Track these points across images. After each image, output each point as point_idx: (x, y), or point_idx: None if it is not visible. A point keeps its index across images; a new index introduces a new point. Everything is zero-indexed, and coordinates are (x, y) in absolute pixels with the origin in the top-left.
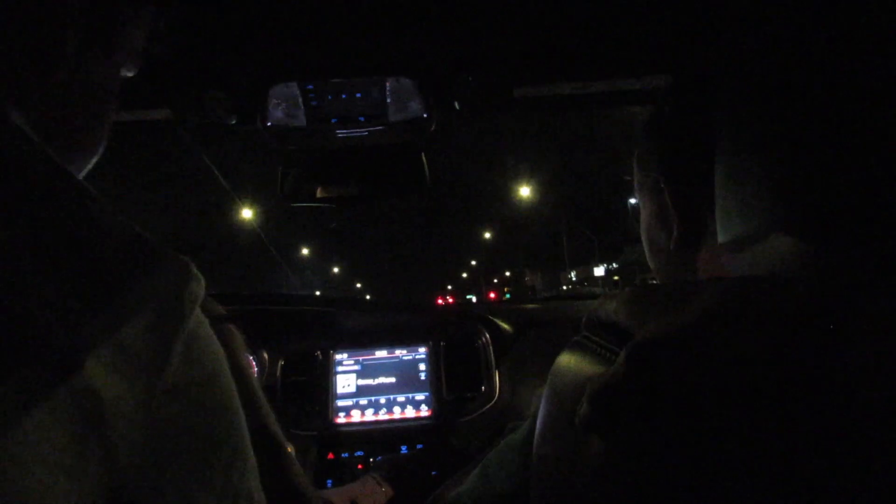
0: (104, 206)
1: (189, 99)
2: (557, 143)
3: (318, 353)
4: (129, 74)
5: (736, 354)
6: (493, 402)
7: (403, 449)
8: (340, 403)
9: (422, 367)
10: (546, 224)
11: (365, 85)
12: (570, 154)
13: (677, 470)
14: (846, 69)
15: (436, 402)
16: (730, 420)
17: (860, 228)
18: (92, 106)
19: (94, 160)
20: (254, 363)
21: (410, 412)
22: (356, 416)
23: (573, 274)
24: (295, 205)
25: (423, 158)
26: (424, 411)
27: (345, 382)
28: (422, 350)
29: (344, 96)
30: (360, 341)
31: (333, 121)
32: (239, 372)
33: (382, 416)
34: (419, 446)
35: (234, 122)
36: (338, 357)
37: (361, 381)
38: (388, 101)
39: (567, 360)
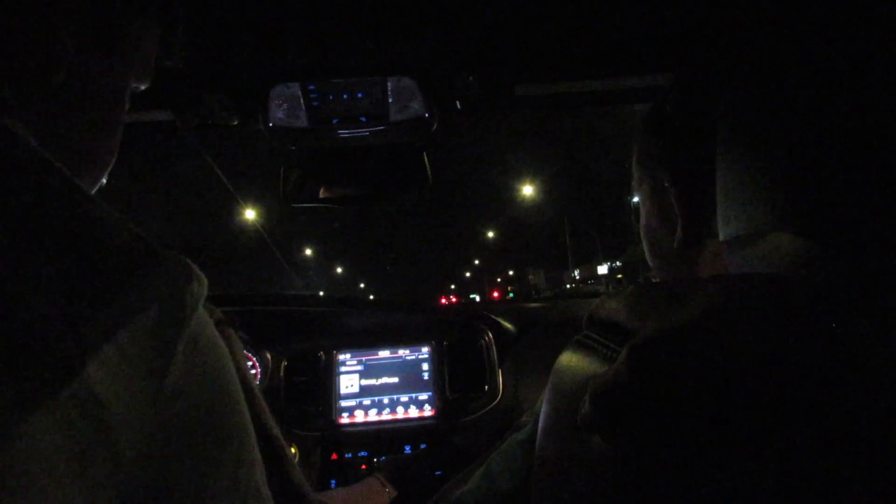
0: (103, 208)
1: (191, 100)
2: (560, 141)
3: (322, 353)
4: (142, 87)
5: (737, 352)
6: (496, 401)
7: (407, 449)
8: (344, 404)
9: (425, 366)
10: (549, 223)
11: (366, 85)
12: (573, 152)
13: (679, 470)
14: (847, 66)
15: (439, 401)
16: (731, 419)
17: (860, 226)
18: (94, 113)
19: (106, 172)
20: (258, 364)
21: (414, 412)
22: (359, 417)
23: (576, 272)
24: (297, 205)
25: (425, 158)
26: (428, 411)
27: (348, 382)
28: (425, 350)
29: (345, 96)
30: (363, 341)
31: (335, 121)
32: (239, 375)
33: (386, 416)
34: (422, 446)
35: (236, 122)
36: (341, 357)
37: (365, 382)
38: (390, 101)
39: (568, 359)
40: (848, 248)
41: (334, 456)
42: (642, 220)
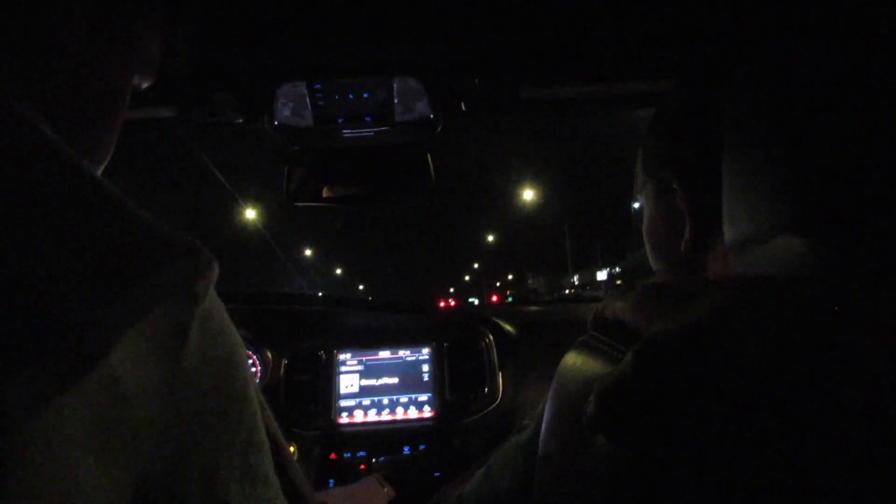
0: (115, 195)
1: (197, 98)
2: (561, 145)
3: (322, 352)
4: (145, 85)
5: (743, 354)
6: (495, 403)
7: (406, 450)
8: (343, 403)
9: (425, 368)
10: (549, 227)
11: (372, 85)
12: (574, 157)
13: (683, 471)
14: (851, 68)
15: (439, 403)
16: (737, 420)
17: (865, 227)
18: (99, 107)
19: (101, 167)
20: (258, 362)
21: (413, 413)
22: (359, 417)
23: (576, 278)
24: (299, 204)
25: (429, 159)
26: (427, 412)
27: (348, 382)
28: (425, 351)
29: (351, 96)
30: (363, 341)
31: (340, 121)
32: None
33: (385, 416)
34: (422, 447)
35: (240, 121)
36: (341, 357)
37: (365, 382)
38: (395, 101)
39: (573, 360)
40: (853, 250)
41: (333, 455)
42: (645, 224)
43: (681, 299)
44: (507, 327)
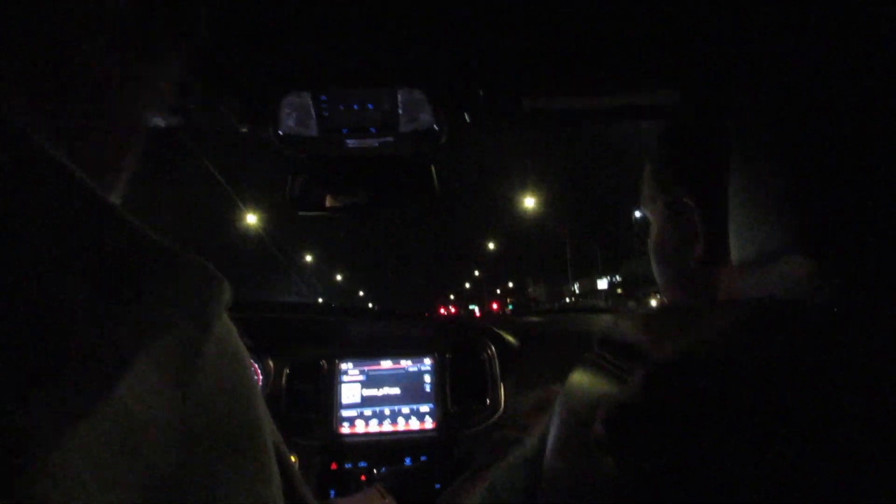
0: (124, 215)
1: (202, 106)
2: (562, 154)
3: (324, 362)
4: (160, 124)
5: (753, 377)
6: (497, 414)
7: (407, 461)
8: (345, 413)
9: (427, 378)
10: (550, 236)
11: (376, 96)
12: (575, 165)
13: (692, 494)
14: (860, 87)
15: (440, 414)
16: (747, 443)
17: (872, 248)
18: (108, 146)
19: (116, 195)
20: (259, 371)
21: (415, 424)
22: (360, 427)
23: (576, 286)
24: (302, 213)
25: (433, 169)
26: (429, 423)
27: (350, 392)
28: (427, 361)
29: (356, 107)
30: (365, 351)
31: (344, 131)
32: None
33: (387, 427)
34: (423, 458)
35: (245, 130)
36: (343, 366)
37: (366, 392)
38: (400, 112)
39: (580, 378)
40: (860, 271)
41: (334, 466)
42: (653, 239)
43: (688, 321)
44: (509, 338)
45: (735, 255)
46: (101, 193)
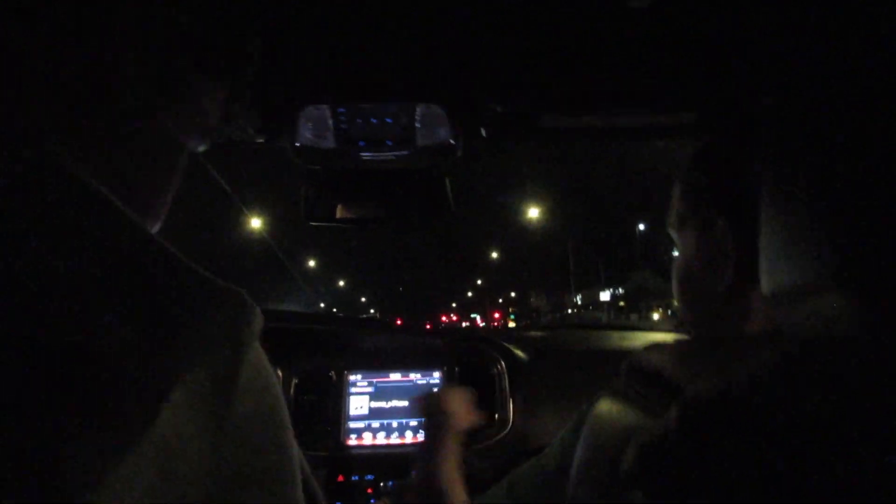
0: (161, 246)
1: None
2: (567, 165)
3: (333, 373)
4: (201, 149)
5: (793, 417)
6: (506, 430)
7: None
8: (352, 425)
9: (436, 392)
10: (553, 246)
11: (395, 110)
12: (579, 177)
13: None
14: None
15: None
16: (785, 485)
17: None
18: (153, 168)
19: (156, 225)
20: None
21: (423, 437)
22: (368, 439)
23: (578, 297)
24: (315, 224)
25: (447, 184)
26: None
27: (358, 404)
28: (436, 375)
29: (373, 120)
30: (373, 363)
31: (361, 143)
32: None
33: (394, 440)
34: None
35: (261, 140)
36: (352, 378)
37: (374, 404)
38: (418, 126)
39: (608, 408)
40: None
41: (340, 478)
42: (679, 262)
43: (724, 356)
44: (519, 353)
45: (766, 283)
46: (146, 229)
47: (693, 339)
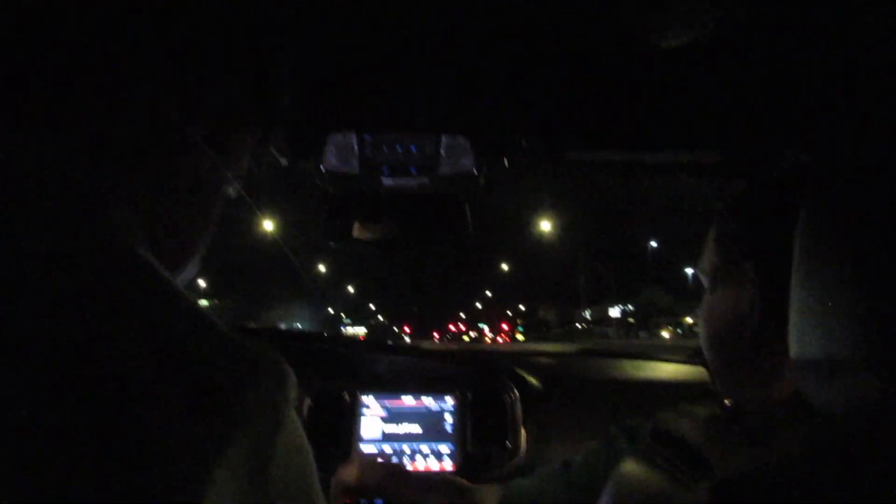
0: (210, 319)
1: None
2: (581, 180)
3: (346, 394)
4: (231, 195)
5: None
6: (516, 459)
7: None
8: (365, 449)
9: (448, 417)
10: (563, 260)
11: (420, 139)
12: (592, 192)
13: None
14: None
15: (460, 456)
16: None
17: None
18: (192, 214)
19: (189, 275)
20: None
21: (434, 464)
22: None
23: (588, 312)
24: (335, 245)
25: (467, 209)
26: (448, 464)
27: (370, 427)
28: (448, 400)
29: (399, 148)
30: (386, 385)
31: (385, 169)
32: None
33: (406, 465)
34: None
35: (286, 163)
36: (365, 400)
37: (387, 428)
38: (442, 155)
39: (634, 470)
40: None
41: (349, 502)
42: (705, 308)
43: (757, 434)
44: (532, 381)
45: (794, 348)
46: (195, 305)
47: (723, 415)
